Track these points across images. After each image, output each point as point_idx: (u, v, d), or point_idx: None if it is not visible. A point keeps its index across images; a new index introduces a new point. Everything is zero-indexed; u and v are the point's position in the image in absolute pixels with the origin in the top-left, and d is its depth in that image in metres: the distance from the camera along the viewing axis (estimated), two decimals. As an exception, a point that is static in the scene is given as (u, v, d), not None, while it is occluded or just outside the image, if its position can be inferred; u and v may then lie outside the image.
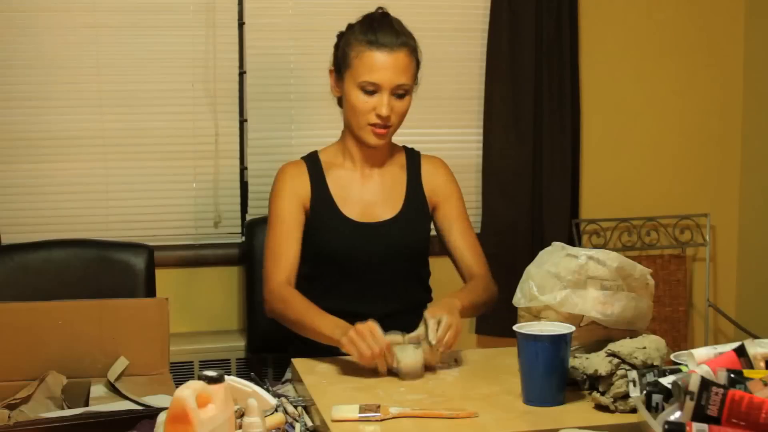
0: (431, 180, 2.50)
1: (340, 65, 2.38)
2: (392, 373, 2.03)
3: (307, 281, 2.43)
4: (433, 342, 2.04)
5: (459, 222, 2.49)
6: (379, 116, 2.31)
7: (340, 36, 2.42)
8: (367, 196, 2.44)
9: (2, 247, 3.10)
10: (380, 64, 2.29)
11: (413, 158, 2.53)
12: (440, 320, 2.06)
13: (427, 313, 2.10)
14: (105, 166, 3.37)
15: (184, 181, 3.45)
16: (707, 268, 3.89)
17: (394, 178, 2.48)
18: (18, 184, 3.32)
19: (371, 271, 2.40)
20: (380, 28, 2.33)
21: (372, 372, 2.06)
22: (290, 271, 2.35)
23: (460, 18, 3.65)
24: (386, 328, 2.12)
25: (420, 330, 2.08)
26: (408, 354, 2.03)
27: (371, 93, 2.31)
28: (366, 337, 2.02)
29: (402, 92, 2.32)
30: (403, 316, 2.27)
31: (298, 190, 2.41)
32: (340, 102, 2.46)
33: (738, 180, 3.99)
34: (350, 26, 2.40)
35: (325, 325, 2.17)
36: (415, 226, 2.45)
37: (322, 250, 2.40)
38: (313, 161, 2.47)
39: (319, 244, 2.40)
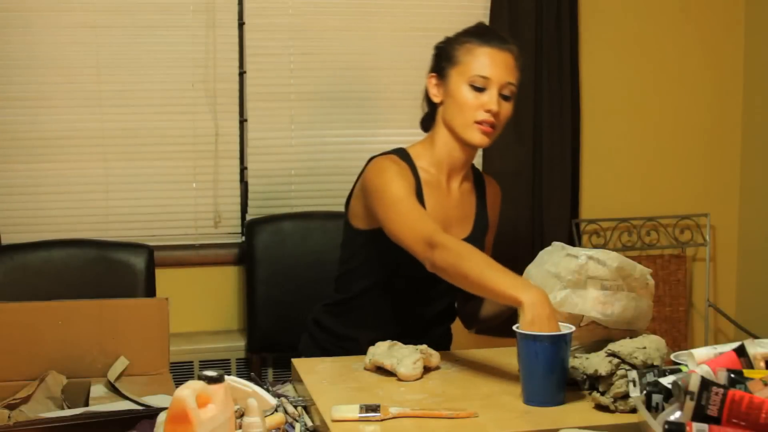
0: (492, 206, 2.49)
1: (444, 66, 2.32)
2: (391, 373, 2.03)
3: (362, 278, 2.40)
4: None
5: (489, 252, 2.50)
6: (488, 111, 2.25)
7: (442, 43, 2.37)
8: (447, 209, 2.38)
9: (2, 247, 3.10)
10: (492, 59, 2.26)
11: (478, 176, 2.49)
12: None
13: None
14: (105, 165, 3.38)
15: (184, 181, 3.45)
16: (707, 268, 3.89)
17: (468, 196, 2.44)
18: (18, 184, 3.32)
19: (431, 282, 2.26)
20: (489, 31, 2.33)
21: (372, 372, 2.06)
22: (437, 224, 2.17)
23: (460, 18, 3.60)
24: (423, 332, 2.19)
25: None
26: (407, 356, 2.03)
27: (480, 90, 2.26)
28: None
29: (508, 93, 2.29)
30: (438, 322, 2.38)
31: (411, 181, 2.29)
32: (428, 117, 2.39)
33: (738, 180, 3.99)
34: (451, 36, 2.35)
35: (508, 284, 1.94)
36: (480, 248, 2.37)
37: (400, 249, 2.20)
38: (408, 161, 2.35)
39: (397, 247, 2.21)
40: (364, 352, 2.13)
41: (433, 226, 2.11)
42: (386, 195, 2.22)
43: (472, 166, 2.48)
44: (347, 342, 2.38)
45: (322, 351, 2.35)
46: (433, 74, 2.35)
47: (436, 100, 2.34)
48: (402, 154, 2.36)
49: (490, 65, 2.26)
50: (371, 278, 2.39)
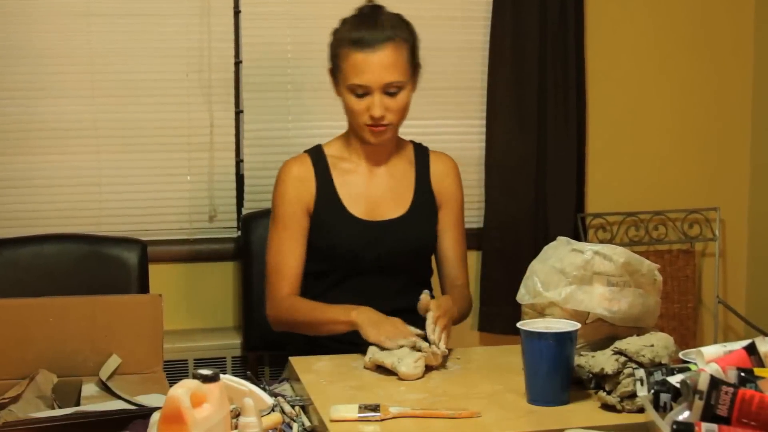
0: (439, 179, 2.50)
1: (333, 66, 2.39)
2: (392, 372, 2.03)
3: (315, 278, 2.45)
4: (440, 347, 2.09)
5: (454, 230, 2.52)
6: (372, 117, 2.30)
7: (333, 34, 2.40)
8: (375, 193, 2.44)
9: (-9, 241, 3.09)
10: (365, 65, 2.27)
11: (422, 154, 2.53)
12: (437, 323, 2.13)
13: (429, 316, 2.15)
14: (97, 158, 3.37)
15: (179, 174, 3.45)
16: (717, 264, 3.89)
17: (402, 174, 2.48)
18: (7, 177, 3.31)
19: (378, 269, 2.41)
20: (365, 25, 2.31)
21: (372, 371, 2.06)
22: (293, 282, 2.39)
23: (462, 5, 3.63)
24: None
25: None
26: (408, 354, 2.03)
27: (362, 95, 2.30)
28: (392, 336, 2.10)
29: (394, 90, 2.30)
30: (407, 314, 2.28)
31: (301, 192, 2.41)
32: None
33: (748, 173, 3.99)
34: (342, 22, 2.38)
35: (338, 313, 2.22)
36: (422, 225, 2.47)
37: (328, 248, 2.41)
38: (318, 157, 2.46)
39: (326, 243, 2.41)
40: (339, 349, 2.15)
41: (287, 290, 2.37)
42: (273, 211, 2.44)
43: (415, 143, 2.54)
44: (326, 339, 2.38)
45: (306, 352, 2.35)
46: (330, 69, 2.41)
47: (337, 95, 2.41)
48: (314, 151, 2.47)
49: (364, 72, 2.28)
50: (324, 280, 2.45)
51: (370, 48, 2.27)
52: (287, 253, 2.39)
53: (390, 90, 2.29)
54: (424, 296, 2.20)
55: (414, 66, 2.36)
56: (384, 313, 2.37)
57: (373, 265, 2.41)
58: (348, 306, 2.23)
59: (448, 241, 2.50)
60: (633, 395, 1.76)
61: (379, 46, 2.27)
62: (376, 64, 2.27)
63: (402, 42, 2.31)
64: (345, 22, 2.36)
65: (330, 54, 2.39)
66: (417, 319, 2.20)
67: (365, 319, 2.16)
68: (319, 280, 2.45)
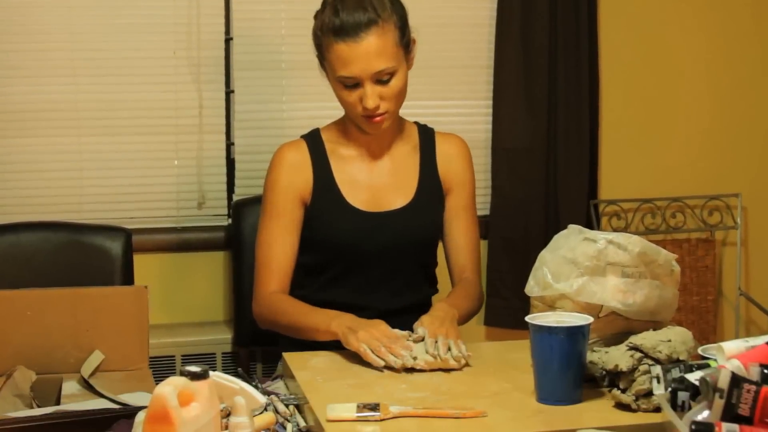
0: (447, 162, 2.48)
1: (319, 57, 2.35)
2: (392, 368, 2.03)
3: (312, 274, 2.44)
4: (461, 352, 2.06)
5: (465, 215, 2.49)
6: (366, 108, 2.27)
7: (315, 18, 2.34)
8: (377, 182, 2.42)
9: (-34, 230, 3.09)
10: (351, 56, 2.22)
11: (427, 136, 2.50)
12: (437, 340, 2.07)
13: (423, 329, 2.11)
14: (78, 141, 3.37)
15: (165, 158, 3.45)
16: (738, 253, 3.89)
17: (406, 160, 2.45)
18: (-17, 162, 3.31)
19: (380, 263, 2.39)
20: (345, 7, 2.24)
21: (371, 368, 2.06)
22: (282, 278, 2.37)
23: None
24: (392, 325, 2.14)
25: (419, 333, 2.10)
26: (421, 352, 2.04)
27: (353, 86, 2.26)
28: (379, 338, 2.06)
29: (386, 77, 2.26)
30: (410, 312, 2.30)
31: (296, 180, 2.38)
32: None
33: (772, 157, 3.99)
34: (323, 4, 2.32)
35: (319, 320, 2.19)
36: (428, 215, 2.45)
37: (326, 241, 2.39)
38: (315, 142, 2.43)
39: (324, 235, 2.39)
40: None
41: (274, 286, 2.35)
42: (265, 198, 2.42)
43: (420, 124, 2.52)
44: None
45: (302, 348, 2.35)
46: (317, 56, 2.37)
47: (329, 82, 2.36)
48: (310, 136, 2.45)
49: (351, 63, 2.23)
50: (322, 274, 2.43)
51: (353, 37, 2.22)
52: (277, 246, 2.37)
53: (382, 78, 2.25)
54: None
55: (406, 44, 2.31)
56: (389, 310, 2.36)
57: (374, 259, 2.38)
58: (331, 313, 2.19)
59: (457, 227, 2.47)
60: (649, 393, 1.76)
61: (364, 33, 2.22)
62: (362, 53, 2.22)
63: (387, 22, 2.25)
64: (325, 3, 2.30)
65: (314, 42, 2.34)
66: (416, 319, 2.19)
67: (345, 328, 2.11)
68: (316, 275, 2.44)
